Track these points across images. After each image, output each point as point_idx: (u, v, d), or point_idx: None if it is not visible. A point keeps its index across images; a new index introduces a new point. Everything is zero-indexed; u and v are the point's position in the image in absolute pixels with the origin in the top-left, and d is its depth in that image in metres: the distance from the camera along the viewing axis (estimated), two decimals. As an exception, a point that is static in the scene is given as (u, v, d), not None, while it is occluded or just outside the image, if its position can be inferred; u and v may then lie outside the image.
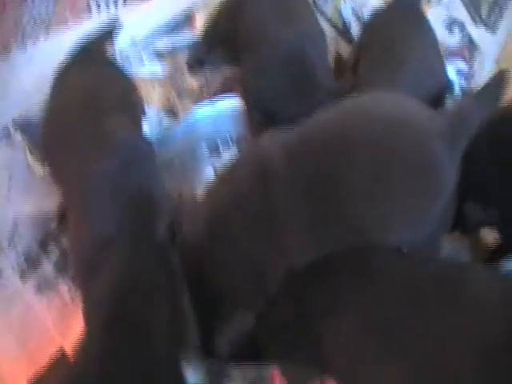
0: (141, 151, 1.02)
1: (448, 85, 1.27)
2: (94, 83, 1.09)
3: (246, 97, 1.27)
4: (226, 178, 0.90)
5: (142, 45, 1.51)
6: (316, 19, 1.34)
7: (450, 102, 1.26)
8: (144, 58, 1.48)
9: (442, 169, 0.80)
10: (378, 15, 1.25)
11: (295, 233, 0.81)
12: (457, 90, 1.40)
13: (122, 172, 0.95)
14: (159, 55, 1.51)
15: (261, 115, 1.19)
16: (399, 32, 1.13)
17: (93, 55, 1.21)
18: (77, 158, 0.97)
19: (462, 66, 1.47)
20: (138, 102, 1.19)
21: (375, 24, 1.23)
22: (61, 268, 1.11)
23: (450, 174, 0.81)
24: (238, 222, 0.83)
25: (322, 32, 1.32)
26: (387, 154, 0.79)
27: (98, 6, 1.67)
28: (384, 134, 0.79)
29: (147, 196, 0.93)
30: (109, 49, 1.32)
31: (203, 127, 1.28)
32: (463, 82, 1.44)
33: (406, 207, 0.80)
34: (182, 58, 1.49)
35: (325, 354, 0.81)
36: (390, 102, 0.84)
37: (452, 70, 1.44)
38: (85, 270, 0.85)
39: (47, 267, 1.12)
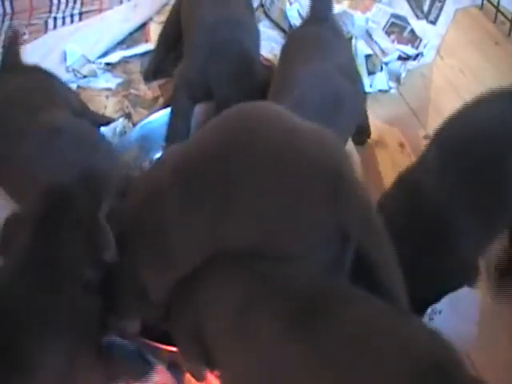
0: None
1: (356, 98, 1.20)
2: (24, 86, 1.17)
3: (176, 80, 1.31)
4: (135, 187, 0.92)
5: (95, 58, 1.56)
6: (252, 14, 1.41)
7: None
8: (97, 70, 1.53)
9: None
10: (290, 36, 1.29)
11: (182, 244, 0.82)
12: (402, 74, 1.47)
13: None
14: (112, 67, 1.55)
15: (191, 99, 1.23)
16: (298, 55, 1.14)
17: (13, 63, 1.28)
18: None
19: (409, 50, 1.52)
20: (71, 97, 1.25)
21: (286, 45, 1.24)
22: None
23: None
24: (135, 235, 0.85)
25: (256, 27, 1.38)
26: (262, 162, 0.79)
27: (55, 20, 1.73)
28: (261, 146, 0.79)
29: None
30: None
31: (158, 133, 1.30)
32: (414, 62, 1.50)
33: (290, 214, 0.79)
34: (136, 69, 1.54)
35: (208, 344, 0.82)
36: (261, 115, 0.85)
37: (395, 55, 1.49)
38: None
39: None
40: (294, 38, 1.22)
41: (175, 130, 1.26)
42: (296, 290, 0.77)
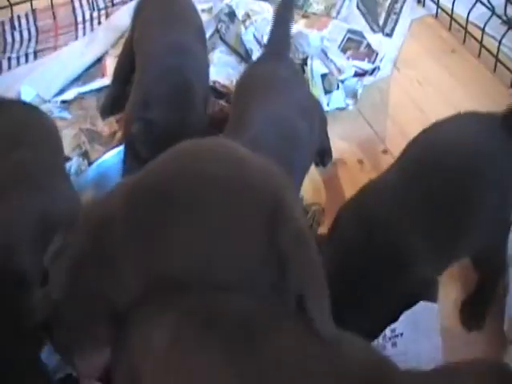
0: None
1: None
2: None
3: (128, 109, 1.30)
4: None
5: (51, 97, 1.54)
6: (202, 42, 1.39)
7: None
8: (53, 109, 1.50)
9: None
10: (245, 73, 1.24)
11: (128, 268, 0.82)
12: (359, 90, 1.46)
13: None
14: (68, 104, 1.53)
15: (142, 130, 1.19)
16: (254, 93, 1.12)
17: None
18: None
19: (365, 65, 1.52)
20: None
21: (241, 82, 1.22)
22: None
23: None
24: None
25: (204, 55, 1.37)
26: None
27: (9, 60, 1.72)
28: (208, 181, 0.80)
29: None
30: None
31: (115, 171, 1.27)
32: (371, 78, 1.50)
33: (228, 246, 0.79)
34: (92, 104, 1.52)
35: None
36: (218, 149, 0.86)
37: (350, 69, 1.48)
38: None
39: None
40: (250, 75, 1.20)
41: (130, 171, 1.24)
42: (228, 319, 0.76)
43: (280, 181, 0.82)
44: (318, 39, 1.52)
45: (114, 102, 1.49)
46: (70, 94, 1.56)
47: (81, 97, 1.55)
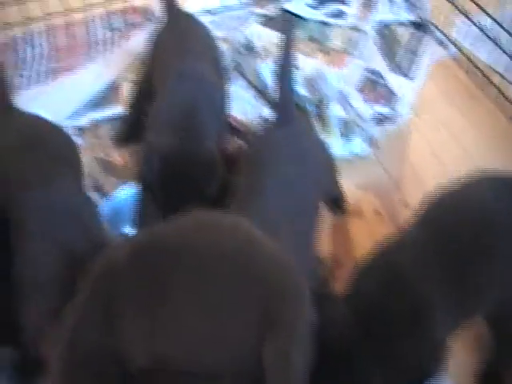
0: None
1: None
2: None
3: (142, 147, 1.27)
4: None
5: (65, 119, 1.51)
6: (220, 74, 1.36)
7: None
8: None
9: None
10: (256, 141, 1.22)
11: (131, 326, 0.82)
12: (378, 137, 1.44)
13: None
14: (82, 131, 1.51)
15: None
16: (265, 162, 1.10)
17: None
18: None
19: (384, 110, 1.51)
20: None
21: (252, 151, 1.19)
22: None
23: None
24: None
25: (220, 87, 1.34)
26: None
27: (21, 78, 1.68)
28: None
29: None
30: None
31: (128, 206, 1.25)
32: (387, 124, 1.48)
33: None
34: (106, 133, 1.50)
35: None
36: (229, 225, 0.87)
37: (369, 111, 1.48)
38: None
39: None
40: (260, 144, 1.17)
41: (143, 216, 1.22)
42: None
43: (287, 282, 0.82)
44: (336, 81, 1.52)
45: (128, 132, 1.46)
46: (84, 120, 1.54)
47: (95, 124, 1.53)
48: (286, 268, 0.83)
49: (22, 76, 1.70)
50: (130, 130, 1.46)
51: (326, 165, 1.21)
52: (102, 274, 0.86)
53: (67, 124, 1.50)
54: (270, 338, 0.78)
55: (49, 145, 1.14)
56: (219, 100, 1.32)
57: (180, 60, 1.32)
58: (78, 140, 1.48)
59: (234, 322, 0.79)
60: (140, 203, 1.23)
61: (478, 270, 0.96)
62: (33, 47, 1.80)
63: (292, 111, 1.18)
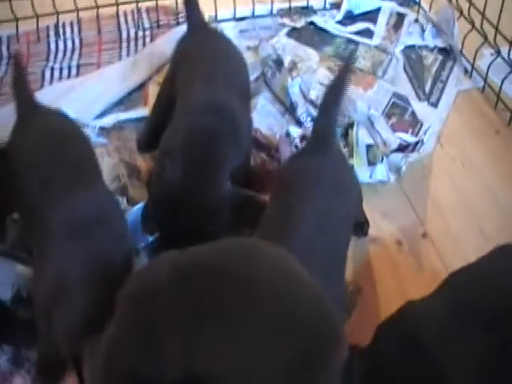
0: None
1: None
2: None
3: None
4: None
5: (91, 119, 1.51)
6: (245, 102, 1.35)
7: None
8: (91, 135, 1.44)
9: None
10: (286, 169, 1.18)
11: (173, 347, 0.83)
12: (402, 164, 1.44)
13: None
14: (106, 132, 1.50)
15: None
16: (296, 191, 1.07)
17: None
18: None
19: (409, 138, 1.51)
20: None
21: (282, 179, 1.15)
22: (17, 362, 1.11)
23: None
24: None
25: (245, 115, 1.31)
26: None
27: (52, 71, 1.68)
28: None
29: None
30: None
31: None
32: (415, 154, 1.46)
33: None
34: (131, 136, 1.49)
35: None
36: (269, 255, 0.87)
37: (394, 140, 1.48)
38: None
39: (2, 361, 1.11)
40: (294, 169, 1.13)
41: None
42: None
43: (328, 323, 0.82)
44: (365, 107, 1.52)
45: (150, 137, 1.43)
46: (109, 120, 1.53)
47: (120, 125, 1.52)
48: (326, 308, 0.83)
49: (53, 69, 1.70)
50: (152, 135, 1.42)
51: (358, 195, 1.21)
52: (142, 292, 0.85)
53: (94, 124, 1.51)
54: (305, 375, 0.79)
55: (72, 151, 1.14)
56: (245, 132, 1.29)
57: (209, 85, 1.29)
58: (102, 140, 1.49)
59: (269, 355, 0.79)
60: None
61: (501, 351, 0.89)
62: (64, 40, 1.80)
63: (332, 138, 1.15)
